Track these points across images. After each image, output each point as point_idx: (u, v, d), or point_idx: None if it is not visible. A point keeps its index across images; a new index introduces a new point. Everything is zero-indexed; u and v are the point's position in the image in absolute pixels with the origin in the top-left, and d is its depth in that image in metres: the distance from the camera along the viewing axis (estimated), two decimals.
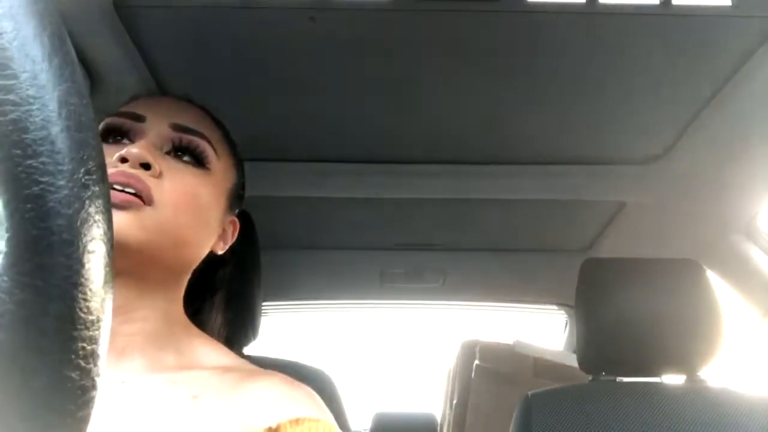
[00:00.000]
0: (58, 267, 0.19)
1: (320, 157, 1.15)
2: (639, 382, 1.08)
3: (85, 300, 0.20)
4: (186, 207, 0.56)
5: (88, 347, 0.20)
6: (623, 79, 0.92)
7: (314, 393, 0.57)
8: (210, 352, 0.60)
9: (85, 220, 0.20)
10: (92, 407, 0.21)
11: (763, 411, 1.01)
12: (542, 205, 1.32)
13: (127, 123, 0.60)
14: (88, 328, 0.20)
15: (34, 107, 0.20)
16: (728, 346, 1.05)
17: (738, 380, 1.12)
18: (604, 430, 1.00)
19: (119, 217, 0.51)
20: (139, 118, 0.60)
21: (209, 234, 0.62)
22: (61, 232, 0.19)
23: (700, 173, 1.15)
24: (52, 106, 0.20)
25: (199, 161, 0.60)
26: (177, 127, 0.60)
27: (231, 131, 0.71)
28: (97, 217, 0.21)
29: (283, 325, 2.26)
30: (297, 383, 0.57)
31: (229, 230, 0.67)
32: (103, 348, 0.21)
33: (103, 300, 0.21)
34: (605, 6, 0.77)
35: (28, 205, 0.19)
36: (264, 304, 0.94)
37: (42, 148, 0.20)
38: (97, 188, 0.21)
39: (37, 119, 0.20)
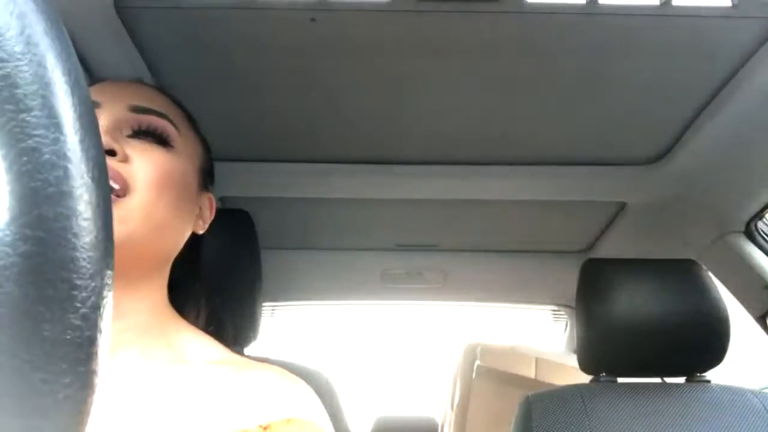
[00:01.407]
0: (59, 217, 0.20)
1: (321, 157, 1.16)
2: (639, 383, 1.08)
3: (87, 250, 0.21)
4: (162, 187, 0.55)
5: (94, 297, 0.21)
6: (623, 79, 0.92)
7: (309, 389, 0.56)
8: (201, 345, 0.60)
9: (82, 171, 0.21)
10: (101, 362, 0.21)
11: (764, 411, 1.01)
12: (543, 205, 1.32)
13: None
14: (92, 278, 0.21)
15: (23, 62, 0.20)
16: (729, 347, 1.05)
17: (738, 380, 1.12)
18: (605, 431, 1.00)
19: None
20: (94, 104, 0.58)
21: (189, 214, 0.61)
22: (59, 183, 0.20)
23: (700, 173, 1.15)
24: (41, 61, 0.21)
25: (162, 140, 0.59)
26: (135, 109, 0.59)
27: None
28: (94, 168, 0.21)
29: (283, 326, 2.26)
30: (292, 378, 0.57)
31: (206, 208, 0.66)
32: (108, 300, 0.22)
33: (105, 249, 0.22)
34: (605, 6, 0.78)
35: (24, 158, 0.20)
36: (264, 304, 0.94)
37: (34, 103, 0.20)
38: (91, 140, 0.22)
39: (26, 74, 0.20)
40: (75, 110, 0.21)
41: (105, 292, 0.21)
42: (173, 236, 0.59)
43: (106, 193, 0.22)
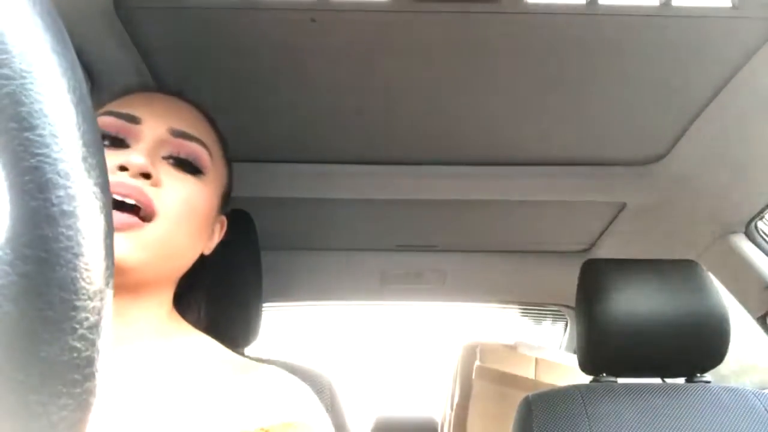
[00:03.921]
0: (60, 238, 0.20)
1: (321, 158, 1.16)
2: (640, 383, 1.08)
3: (87, 270, 0.20)
4: (185, 218, 0.57)
5: (92, 318, 0.20)
6: (623, 80, 0.92)
7: (309, 391, 0.57)
8: (203, 348, 0.60)
9: (84, 191, 0.21)
10: (98, 380, 0.21)
11: (764, 412, 1.01)
12: (543, 205, 1.32)
13: (123, 125, 0.58)
14: (91, 299, 0.20)
15: (28, 80, 0.20)
16: (729, 347, 1.05)
17: (738, 380, 1.12)
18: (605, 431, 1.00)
19: (119, 240, 0.51)
20: (135, 120, 0.58)
21: (203, 239, 0.62)
22: (61, 203, 0.20)
23: (700, 173, 1.15)
24: (46, 79, 0.21)
25: (196, 169, 0.60)
26: (175, 133, 0.59)
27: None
28: (96, 188, 0.21)
29: (283, 327, 2.26)
30: (293, 379, 0.57)
31: (217, 230, 0.67)
32: (107, 320, 0.21)
33: (105, 270, 0.21)
34: (605, 6, 0.78)
35: (26, 177, 0.19)
36: (264, 304, 0.94)
37: (38, 121, 0.20)
38: (94, 160, 0.21)
39: (31, 92, 0.20)
40: (79, 129, 0.21)
41: (104, 312, 0.21)
42: (185, 260, 0.61)
43: (108, 213, 0.22)
